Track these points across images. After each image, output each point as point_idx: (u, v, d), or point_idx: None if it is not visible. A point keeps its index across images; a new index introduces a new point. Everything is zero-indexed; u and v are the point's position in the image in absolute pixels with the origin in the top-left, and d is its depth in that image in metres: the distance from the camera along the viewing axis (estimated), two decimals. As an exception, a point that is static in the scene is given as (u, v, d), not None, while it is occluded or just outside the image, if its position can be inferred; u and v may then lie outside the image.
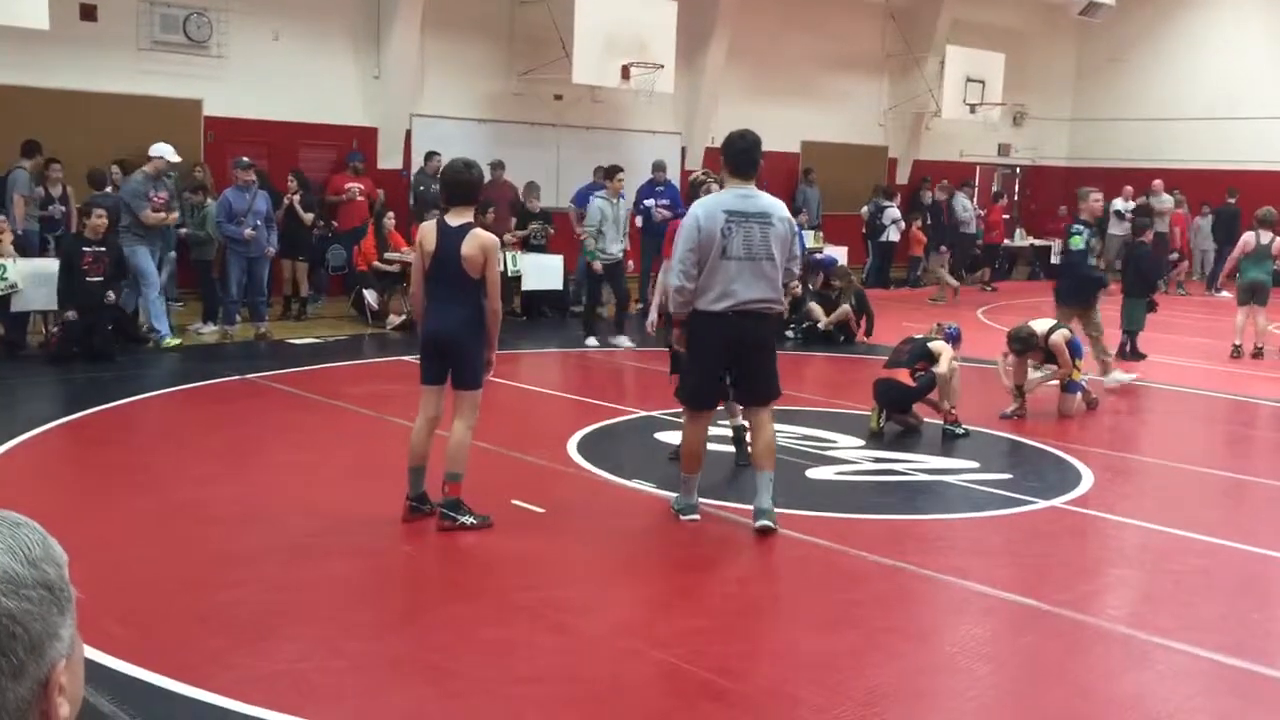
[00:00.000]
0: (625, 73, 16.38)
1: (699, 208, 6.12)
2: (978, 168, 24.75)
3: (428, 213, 12.55)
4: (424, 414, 6.09)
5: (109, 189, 11.94)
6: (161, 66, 13.93)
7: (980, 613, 5.25)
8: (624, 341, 12.49)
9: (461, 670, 4.38)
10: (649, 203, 15.79)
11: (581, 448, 7.87)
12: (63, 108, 13.04)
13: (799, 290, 12.46)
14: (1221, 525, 6.73)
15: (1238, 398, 10.93)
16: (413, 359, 6.68)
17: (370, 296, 13.57)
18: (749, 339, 6.06)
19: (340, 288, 14.87)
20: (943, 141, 23.40)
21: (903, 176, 22.74)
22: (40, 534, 1.16)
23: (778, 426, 6.43)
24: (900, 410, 8.77)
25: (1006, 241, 22.21)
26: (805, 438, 8.27)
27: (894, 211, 18.91)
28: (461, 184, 6.03)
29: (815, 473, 7.45)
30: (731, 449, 7.61)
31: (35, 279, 10.70)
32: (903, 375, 8.81)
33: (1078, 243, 10.49)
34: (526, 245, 15.04)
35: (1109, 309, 11.41)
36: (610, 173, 12.86)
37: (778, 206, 6.10)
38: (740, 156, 6.09)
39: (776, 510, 6.10)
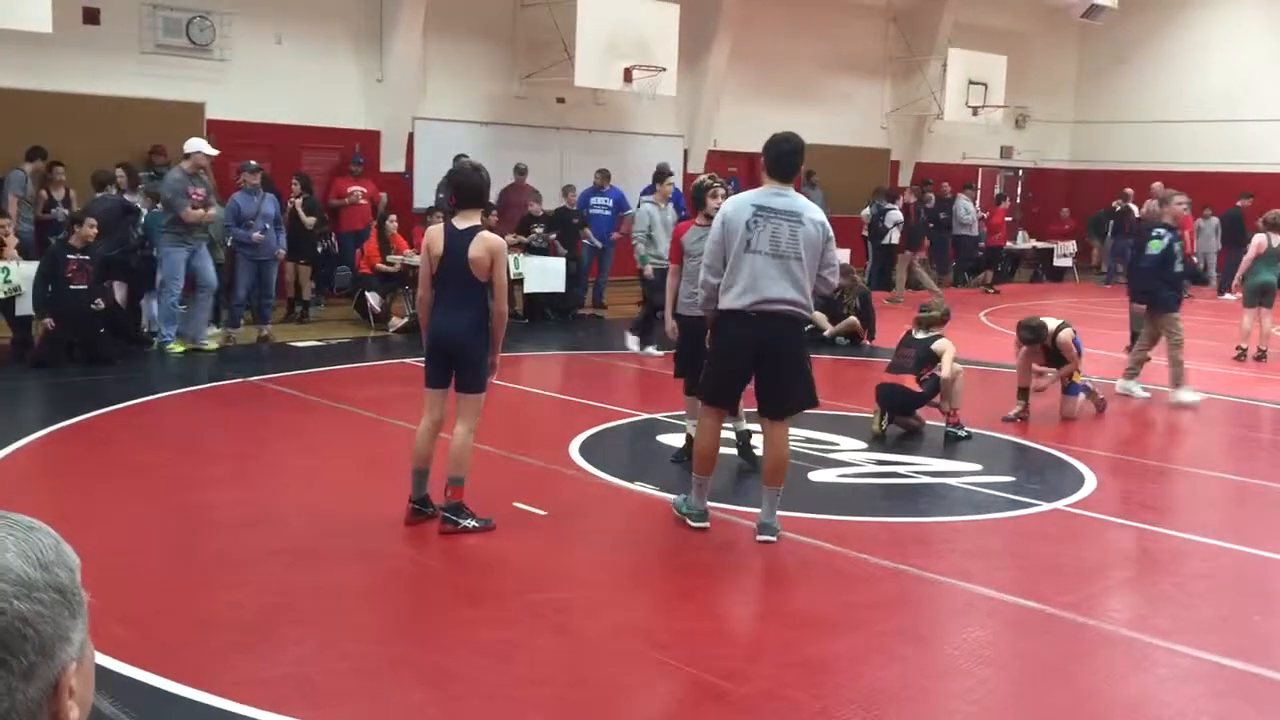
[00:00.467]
0: (628, 75, 16.39)
1: (728, 204, 6.05)
2: (980, 170, 24.77)
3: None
4: (428, 416, 6.09)
5: (113, 191, 11.94)
6: (164, 70, 13.95)
7: (982, 615, 5.25)
8: (651, 351, 12.25)
9: (464, 672, 4.39)
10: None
11: (584, 450, 7.87)
12: (65, 111, 13.07)
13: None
14: (1224, 528, 6.72)
15: (1241, 400, 10.92)
16: (415, 361, 6.70)
17: (373, 299, 13.59)
18: (773, 343, 5.88)
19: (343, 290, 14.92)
20: (945, 144, 23.41)
21: (905, 179, 22.74)
22: (54, 538, 1.17)
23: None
24: (903, 413, 8.77)
25: (1009, 244, 22.21)
26: (807, 440, 8.27)
27: (896, 214, 18.91)
28: (470, 187, 6.03)
29: (817, 475, 7.45)
30: (733, 450, 7.59)
31: (33, 282, 10.68)
32: (908, 380, 8.80)
33: (1155, 246, 10.20)
34: (529, 249, 15.04)
35: (1115, 311, 11.38)
36: (659, 176, 12.69)
37: (811, 208, 5.97)
38: (780, 160, 5.97)
39: (778, 512, 6.10)
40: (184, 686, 4.10)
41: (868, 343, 13.38)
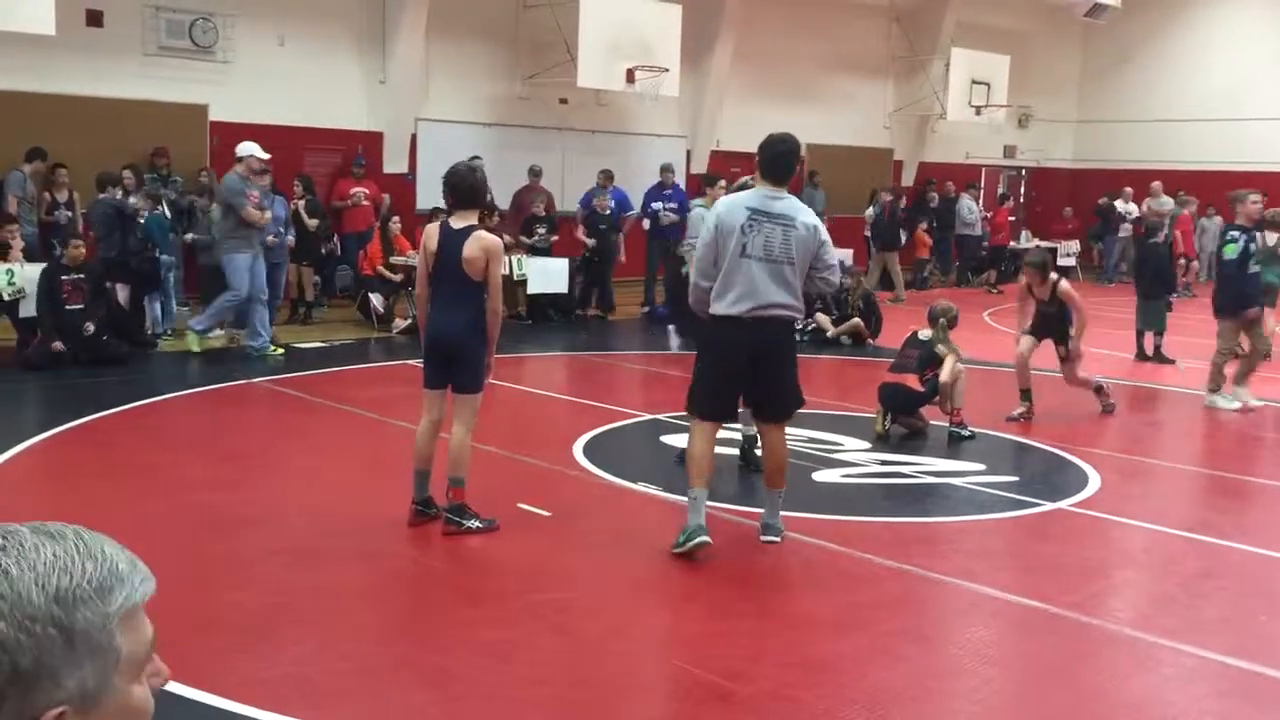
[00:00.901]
0: (630, 76, 16.38)
1: (720, 204, 5.96)
2: (983, 170, 24.73)
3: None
4: (427, 416, 6.09)
5: (116, 194, 11.91)
6: (167, 72, 13.96)
7: (986, 615, 5.23)
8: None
9: (465, 673, 4.38)
10: (656, 206, 15.82)
11: (587, 451, 7.86)
12: (68, 113, 13.06)
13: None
14: (1228, 527, 6.70)
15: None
16: (418, 363, 6.70)
17: (376, 300, 13.59)
18: (768, 346, 5.82)
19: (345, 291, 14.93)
20: (948, 144, 23.38)
21: (909, 179, 22.73)
22: (110, 580, 1.09)
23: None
24: (906, 413, 8.76)
25: (1012, 244, 22.17)
26: (811, 440, 8.26)
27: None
28: (466, 187, 6.02)
29: (821, 475, 7.44)
30: (734, 451, 7.58)
31: (35, 284, 10.69)
32: (910, 380, 8.79)
33: (1231, 251, 9.73)
34: (531, 249, 15.04)
35: (1118, 310, 11.34)
36: (711, 180, 12.65)
37: (804, 211, 5.85)
38: (775, 161, 5.84)
39: (782, 512, 6.08)
40: (185, 686, 4.08)
41: (871, 343, 13.39)
